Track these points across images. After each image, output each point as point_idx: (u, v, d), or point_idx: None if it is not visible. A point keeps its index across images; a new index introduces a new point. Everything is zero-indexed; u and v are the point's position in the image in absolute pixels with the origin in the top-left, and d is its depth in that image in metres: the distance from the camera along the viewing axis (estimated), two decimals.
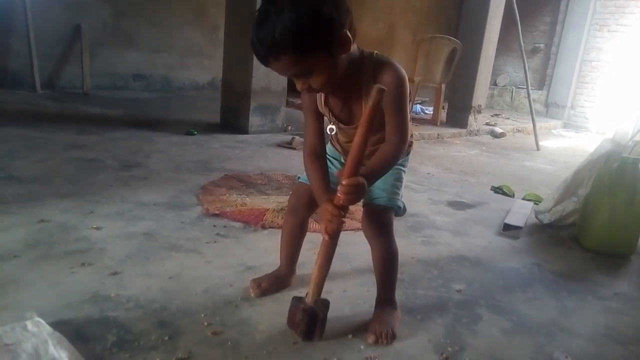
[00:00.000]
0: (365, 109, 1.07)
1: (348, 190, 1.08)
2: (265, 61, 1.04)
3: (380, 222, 1.30)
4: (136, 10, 5.66)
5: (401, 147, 1.18)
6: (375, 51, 1.19)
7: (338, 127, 1.28)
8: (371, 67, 1.15)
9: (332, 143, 1.42)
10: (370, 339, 1.24)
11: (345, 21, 1.05)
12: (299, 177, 1.46)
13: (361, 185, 1.08)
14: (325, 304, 1.24)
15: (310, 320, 1.19)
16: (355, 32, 1.10)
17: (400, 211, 1.34)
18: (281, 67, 1.05)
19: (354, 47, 1.11)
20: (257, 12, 1.02)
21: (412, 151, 1.44)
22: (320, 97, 1.23)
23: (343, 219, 1.13)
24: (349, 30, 1.06)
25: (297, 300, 1.23)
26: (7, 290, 1.30)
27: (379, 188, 1.31)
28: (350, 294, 1.50)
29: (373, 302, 1.44)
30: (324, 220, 1.13)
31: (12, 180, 2.19)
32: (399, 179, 1.35)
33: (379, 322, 1.28)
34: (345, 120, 1.25)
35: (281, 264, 1.51)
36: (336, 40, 1.04)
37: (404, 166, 1.39)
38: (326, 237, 1.15)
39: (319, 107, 1.25)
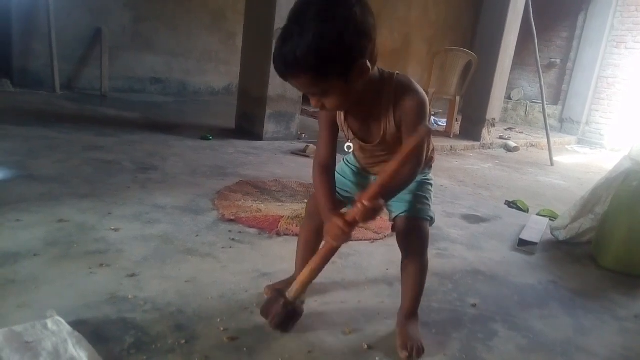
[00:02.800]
0: (409, 143, 1.07)
1: (367, 213, 1.09)
2: (283, 77, 1.06)
3: (421, 234, 1.30)
4: (155, 15, 5.75)
5: (417, 168, 1.19)
6: (397, 72, 1.19)
7: (357, 144, 1.29)
8: (392, 89, 1.16)
9: (353, 154, 1.43)
10: (403, 355, 1.23)
11: (366, 50, 1.04)
12: None
13: (380, 209, 1.10)
14: (302, 301, 1.27)
15: (288, 315, 1.20)
16: (376, 59, 1.10)
17: (432, 222, 1.35)
18: (298, 85, 1.07)
19: (373, 70, 1.12)
20: (282, 29, 1.02)
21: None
22: (340, 114, 1.25)
23: (350, 236, 1.14)
24: (370, 58, 1.06)
25: (279, 292, 1.23)
26: (27, 287, 1.32)
27: (414, 200, 1.31)
28: (365, 305, 1.50)
29: (388, 314, 1.44)
30: (332, 235, 1.15)
31: (33, 180, 2.23)
32: (427, 191, 1.36)
33: (409, 337, 1.28)
34: (363, 137, 1.26)
35: (296, 271, 1.51)
36: (355, 68, 1.04)
37: (428, 179, 1.39)
38: (334, 244, 1.16)
39: (338, 122, 1.26)
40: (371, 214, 1.09)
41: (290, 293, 1.21)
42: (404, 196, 1.30)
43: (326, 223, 1.18)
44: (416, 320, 1.36)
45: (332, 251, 1.18)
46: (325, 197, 1.23)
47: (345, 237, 1.14)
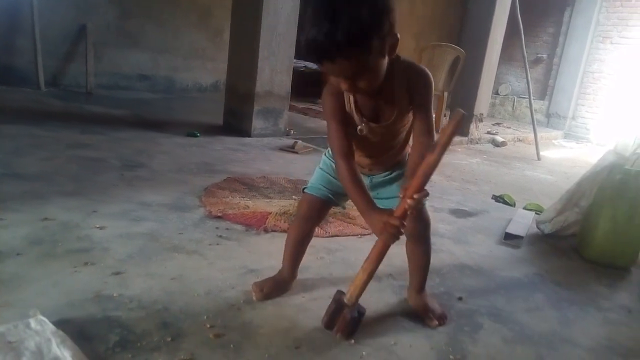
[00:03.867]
0: (445, 131, 1.09)
1: (419, 203, 1.12)
2: (318, 62, 1.04)
3: (425, 218, 1.38)
4: (142, 11, 5.68)
5: (430, 143, 1.22)
6: (398, 54, 1.19)
7: (367, 127, 1.26)
8: (400, 70, 1.17)
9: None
10: (434, 324, 1.39)
11: (395, 22, 1.06)
12: (304, 189, 1.46)
13: (425, 197, 1.14)
14: (362, 309, 1.27)
15: (355, 321, 1.23)
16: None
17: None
18: (334, 68, 1.05)
19: None
20: (310, 14, 1.01)
21: None
22: (349, 99, 1.23)
23: (399, 231, 1.15)
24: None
25: (338, 302, 1.23)
26: (10, 287, 1.31)
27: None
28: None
29: (375, 308, 1.45)
30: (389, 234, 1.14)
31: (17, 178, 2.20)
32: None
33: (430, 309, 1.42)
34: (375, 121, 1.25)
35: (284, 268, 1.51)
36: (388, 42, 1.06)
37: None
38: (390, 242, 1.16)
39: (347, 108, 1.24)
40: (422, 203, 1.15)
41: (351, 299, 1.22)
42: (397, 191, 1.30)
43: (372, 221, 1.17)
44: (425, 293, 1.49)
45: (387, 249, 1.18)
46: (361, 194, 1.20)
47: (399, 234, 1.14)
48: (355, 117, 1.25)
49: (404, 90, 1.19)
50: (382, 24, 1.01)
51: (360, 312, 1.25)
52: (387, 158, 1.37)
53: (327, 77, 1.14)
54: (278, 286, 1.47)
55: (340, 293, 1.27)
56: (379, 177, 1.40)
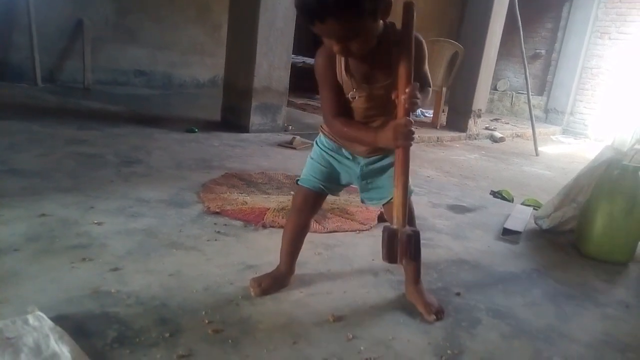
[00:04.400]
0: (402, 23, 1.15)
1: (412, 95, 1.13)
2: (310, 22, 1.04)
3: (412, 209, 1.37)
4: (139, 6, 5.66)
5: (429, 92, 1.33)
6: (394, 22, 1.21)
7: (359, 93, 1.24)
8: (394, 35, 1.19)
9: (328, 137, 1.40)
10: (432, 318, 1.39)
11: None
12: (297, 180, 1.47)
13: (416, 89, 1.15)
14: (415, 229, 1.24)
15: (412, 239, 1.18)
16: None
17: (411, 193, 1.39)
18: (325, 29, 1.05)
19: None
20: None
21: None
22: (341, 64, 1.22)
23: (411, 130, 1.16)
24: None
25: (390, 231, 1.19)
26: (8, 283, 1.30)
27: (390, 185, 1.32)
28: (351, 294, 1.50)
29: (373, 304, 1.46)
30: (403, 136, 1.15)
31: (14, 174, 2.19)
32: None
33: (428, 303, 1.43)
34: (370, 83, 1.24)
35: (281, 263, 1.51)
36: (381, 5, 1.07)
37: None
38: (407, 143, 1.17)
39: (338, 75, 1.23)
40: (415, 95, 1.14)
41: (398, 221, 1.18)
42: (388, 181, 1.33)
43: (384, 137, 1.18)
44: (422, 285, 1.49)
45: (408, 154, 1.18)
46: (362, 129, 1.24)
47: (412, 133, 1.16)
48: (346, 81, 1.23)
49: (400, 53, 1.18)
50: None
51: (415, 232, 1.19)
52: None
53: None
54: (276, 281, 1.47)
55: (386, 227, 1.21)
56: (370, 164, 1.38)
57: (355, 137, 1.27)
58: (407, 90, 1.14)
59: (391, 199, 1.30)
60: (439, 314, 1.42)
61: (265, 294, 1.42)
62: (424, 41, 1.25)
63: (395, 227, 1.19)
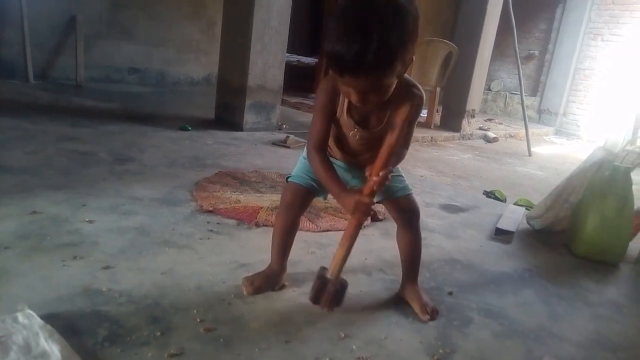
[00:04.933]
0: (400, 118, 1.21)
1: (383, 180, 1.19)
2: (340, 74, 1.07)
3: (415, 209, 1.46)
4: (134, 2, 5.61)
5: (404, 154, 1.38)
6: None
7: (355, 132, 1.30)
8: (402, 86, 1.20)
9: (328, 152, 1.41)
10: (425, 318, 1.40)
11: (413, 46, 1.09)
12: (288, 177, 1.48)
13: (389, 175, 1.21)
14: (344, 282, 1.28)
15: (339, 293, 1.25)
16: None
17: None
18: (354, 83, 1.07)
19: None
20: (343, 23, 1.03)
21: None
22: (343, 105, 1.26)
23: (370, 210, 1.22)
24: None
25: (322, 279, 1.26)
26: None
27: (398, 180, 1.44)
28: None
29: (366, 303, 1.46)
30: (362, 212, 1.20)
31: (4, 171, 2.17)
32: (400, 173, 1.48)
33: (423, 302, 1.44)
34: (364, 126, 1.29)
35: (273, 261, 1.51)
36: (407, 65, 1.11)
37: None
38: (364, 219, 1.23)
39: (339, 113, 1.28)
40: (385, 181, 1.20)
41: (333, 274, 1.24)
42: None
43: (345, 202, 1.22)
44: (418, 286, 1.51)
45: (361, 226, 1.24)
46: (334, 179, 1.27)
47: (370, 211, 1.21)
48: (346, 121, 1.28)
49: (400, 104, 1.22)
50: (407, 49, 1.06)
51: (343, 285, 1.27)
52: (367, 159, 1.34)
53: (325, 72, 1.18)
54: (268, 280, 1.47)
55: (323, 269, 1.28)
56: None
57: (323, 179, 1.29)
58: (380, 173, 1.18)
59: (396, 192, 1.42)
60: (434, 314, 1.43)
61: (258, 293, 1.42)
62: (421, 101, 1.27)
63: (328, 276, 1.25)
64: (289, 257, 1.54)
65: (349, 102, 1.23)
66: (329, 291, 1.24)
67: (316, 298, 1.26)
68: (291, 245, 1.52)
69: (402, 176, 1.48)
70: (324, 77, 1.29)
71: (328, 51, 1.05)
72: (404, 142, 1.31)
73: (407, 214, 1.47)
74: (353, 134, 1.29)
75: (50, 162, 2.40)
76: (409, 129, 1.29)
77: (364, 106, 1.18)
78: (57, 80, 5.11)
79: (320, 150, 1.30)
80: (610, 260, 2.11)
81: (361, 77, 1.04)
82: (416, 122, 1.33)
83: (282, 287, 1.49)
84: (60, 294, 1.27)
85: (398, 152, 1.30)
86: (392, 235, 2.01)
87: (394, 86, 1.14)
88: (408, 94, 1.23)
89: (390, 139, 1.21)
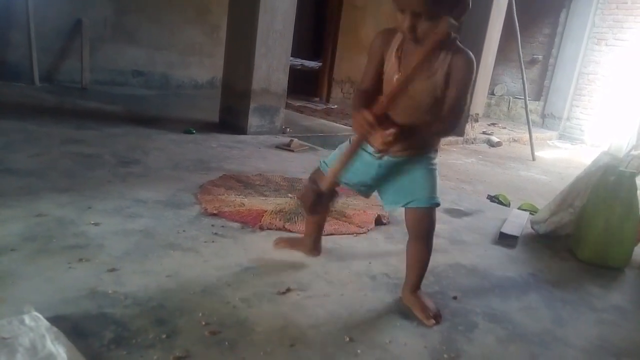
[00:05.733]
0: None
1: (390, 101, 1.22)
2: None
3: (431, 221, 1.43)
4: (138, 6, 5.65)
5: (452, 125, 1.34)
6: (458, 38, 1.30)
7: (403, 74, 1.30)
8: (452, 48, 1.28)
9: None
10: (430, 322, 1.40)
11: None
12: (320, 164, 1.55)
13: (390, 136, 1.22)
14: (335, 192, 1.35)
15: (319, 200, 1.32)
16: None
17: (438, 205, 1.45)
18: (408, 1, 1.18)
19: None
20: None
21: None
22: (395, 46, 1.32)
23: (373, 128, 1.21)
24: None
25: (314, 186, 1.34)
26: (4, 283, 1.30)
27: (421, 188, 1.40)
28: (348, 297, 1.50)
29: (370, 307, 1.46)
30: (362, 130, 1.23)
31: (9, 173, 2.18)
32: (435, 177, 1.44)
33: (426, 307, 1.44)
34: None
35: (306, 236, 1.68)
36: (461, 5, 1.22)
37: (434, 165, 1.45)
38: (358, 140, 1.28)
39: (388, 55, 1.33)
40: (385, 140, 1.22)
41: (324, 185, 1.31)
42: (415, 184, 1.39)
43: (355, 117, 1.24)
44: (420, 291, 1.50)
45: (358, 142, 1.28)
46: (360, 102, 1.29)
47: (368, 126, 1.21)
48: (392, 62, 1.33)
49: (445, 63, 1.27)
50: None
51: (333, 193, 1.34)
52: (410, 131, 1.29)
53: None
54: (299, 242, 1.69)
55: (315, 179, 1.39)
56: (393, 160, 1.40)
57: (353, 102, 1.36)
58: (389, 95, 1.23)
59: (414, 202, 1.39)
60: (437, 318, 1.42)
61: (284, 248, 1.68)
62: (471, 62, 1.30)
63: (321, 187, 1.31)
64: (294, 262, 1.56)
65: (400, 45, 1.31)
66: (309, 198, 1.32)
67: (301, 198, 1.37)
68: (320, 229, 1.66)
69: (434, 177, 1.43)
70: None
71: None
72: (450, 111, 1.30)
73: (423, 229, 1.44)
74: (397, 78, 1.28)
75: (55, 165, 2.41)
76: (459, 96, 1.29)
77: (412, 33, 1.21)
78: (62, 83, 5.13)
79: (364, 90, 1.36)
80: (615, 265, 2.10)
81: None
82: (468, 89, 1.31)
83: (313, 253, 1.68)
84: (66, 296, 1.28)
85: (436, 123, 1.32)
86: (396, 240, 2.02)
87: (444, 25, 1.17)
88: (457, 52, 1.28)
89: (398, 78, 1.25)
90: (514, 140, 6.58)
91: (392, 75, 1.32)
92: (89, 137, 3.08)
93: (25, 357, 1.00)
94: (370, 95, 1.34)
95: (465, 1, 1.23)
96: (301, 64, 8.13)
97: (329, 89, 7.38)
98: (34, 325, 1.09)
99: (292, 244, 1.73)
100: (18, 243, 1.53)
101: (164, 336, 1.17)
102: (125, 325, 1.19)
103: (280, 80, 4.11)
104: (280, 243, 1.73)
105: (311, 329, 1.29)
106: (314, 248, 1.68)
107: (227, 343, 1.18)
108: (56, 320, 1.14)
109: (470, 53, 1.31)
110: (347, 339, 1.27)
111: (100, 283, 1.37)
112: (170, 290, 1.39)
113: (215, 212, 2.04)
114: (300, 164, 3.22)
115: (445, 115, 1.31)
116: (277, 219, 2.04)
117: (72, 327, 1.15)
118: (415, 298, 1.47)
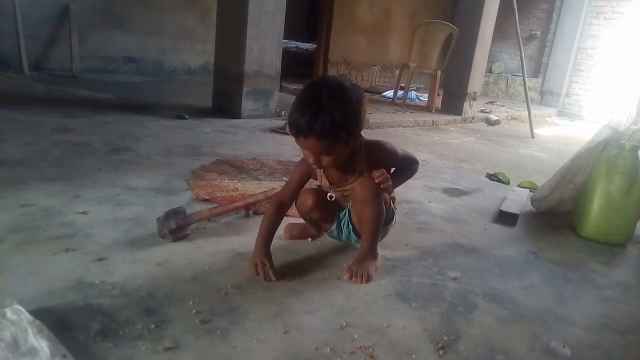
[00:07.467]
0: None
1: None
2: (296, 137, 1.34)
3: (374, 186, 1.45)
4: None
5: (416, 167, 1.64)
6: (363, 135, 1.46)
7: (334, 193, 1.56)
8: (362, 149, 1.47)
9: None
10: (346, 276, 1.44)
11: (362, 124, 1.38)
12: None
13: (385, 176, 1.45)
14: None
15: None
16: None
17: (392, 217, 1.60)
18: (307, 145, 1.33)
19: None
20: (302, 98, 1.33)
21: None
22: (320, 172, 1.53)
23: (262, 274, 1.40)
24: None
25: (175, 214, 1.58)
26: None
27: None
28: (343, 283, 1.46)
29: (367, 291, 1.42)
30: (251, 266, 1.43)
31: None
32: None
33: (357, 265, 1.46)
34: (337, 185, 1.55)
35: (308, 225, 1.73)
36: (354, 138, 1.38)
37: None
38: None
39: (317, 175, 1.55)
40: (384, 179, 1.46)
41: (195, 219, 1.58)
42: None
43: (253, 253, 1.44)
44: (373, 257, 1.51)
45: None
46: (267, 233, 1.47)
47: (260, 271, 1.40)
48: (324, 182, 1.55)
49: (364, 163, 1.48)
50: (349, 125, 1.32)
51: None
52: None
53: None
54: (306, 230, 1.70)
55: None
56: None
57: (262, 226, 1.49)
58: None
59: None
60: (356, 278, 1.44)
61: (293, 239, 1.69)
62: (383, 143, 1.54)
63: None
64: (288, 246, 1.55)
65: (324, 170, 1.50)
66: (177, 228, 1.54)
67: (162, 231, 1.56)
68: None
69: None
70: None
71: (289, 120, 1.34)
72: (409, 163, 1.61)
73: (366, 190, 1.46)
74: (330, 196, 1.55)
75: (44, 154, 2.35)
76: (403, 157, 1.57)
77: (319, 167, 1.41)
78: (52, 72, 5.05)
79: (279, 204, 1.52)
80: (617, 241, 2.06)
81: (312, 140, 1.30)
82: (399, 152, 1.55)
83: (315, 238, 1.72)
84: (52, 288, 1.24)
85: (409, 171, 1.62)
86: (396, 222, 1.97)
87: (344, 153, 1.39)
88: (371, 151, 1.48)
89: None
90: (513, 118, 6.51)
91: (321, 180, 1.56)
92: (79, 126, 3.01)
93: (7, 352, 0.96)
94: (284, 208, 1.54)
95: (359, 128, 1.38)
96: (296, 47, 8.02)
97: (324, 71, 7.28)
98: (16, 319, 1.04)
99: (299, 233, 1.73)
100: (3, 234, 1.49)
101: (152, 326, 1.12)
102: (113, 316, 1.15)
103: (274, 62, 4.03)
104: (291, 232, 1.72)
105: (306, 315, 1.25)
106: (320, 230, 1.72)
107: (218, 332, 1.14)
108: (41, 313, 1.09)
109: (383, 142, 1.54)
110: (344, 324, 1.23)
111: (87, 273, 1.32)
112: (160, 279, 1.34)
113: (207, 197, 1.99)
114: (295, 147, 3.13)
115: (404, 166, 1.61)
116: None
117: (57, 319, 1.10)
118: (358, 257, 1.50)
